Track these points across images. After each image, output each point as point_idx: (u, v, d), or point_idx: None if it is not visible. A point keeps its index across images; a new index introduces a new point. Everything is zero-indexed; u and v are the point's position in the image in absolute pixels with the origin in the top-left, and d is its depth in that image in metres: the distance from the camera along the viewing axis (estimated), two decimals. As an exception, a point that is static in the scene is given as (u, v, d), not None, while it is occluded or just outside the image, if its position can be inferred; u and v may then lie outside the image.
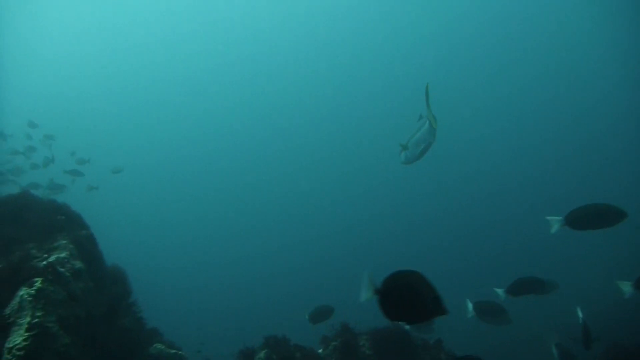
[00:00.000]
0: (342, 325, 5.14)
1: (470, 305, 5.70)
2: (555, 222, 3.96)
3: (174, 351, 5.03)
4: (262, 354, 4.52)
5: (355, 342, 4.91)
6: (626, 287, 4.05)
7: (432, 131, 4.89)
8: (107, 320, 3.66)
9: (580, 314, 4.59)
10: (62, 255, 3.49)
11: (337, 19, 33.81)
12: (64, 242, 3.72)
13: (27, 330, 2.91)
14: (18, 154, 9.03)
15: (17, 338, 2.88)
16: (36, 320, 2.96)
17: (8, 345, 2.87)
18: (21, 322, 2.97)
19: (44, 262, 3.37)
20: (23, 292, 3.07)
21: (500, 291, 4.22)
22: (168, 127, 33.20)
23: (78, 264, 3.56)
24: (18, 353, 2.81)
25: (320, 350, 5.14)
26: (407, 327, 5.55)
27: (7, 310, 3.06)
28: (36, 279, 3.16)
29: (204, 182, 30.46)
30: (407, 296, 2.03)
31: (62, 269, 3.31)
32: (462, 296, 5.46)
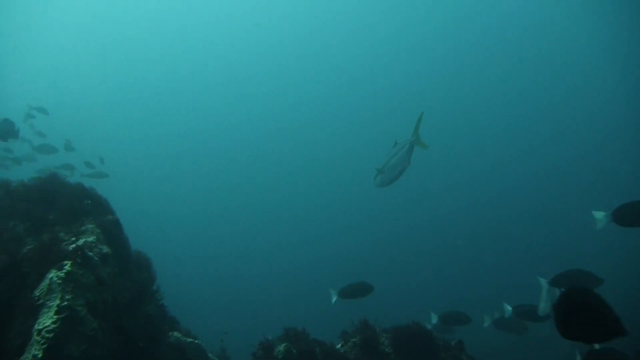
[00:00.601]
0: (362, 321, 5.07)
1: (487, 320, 5.75)
2: (601, 217, 3.82)
3: (190, 340, 5.01)
4: (281, 347, 4.47)
5: (375, 340, 4.84)
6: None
7: (407, 157, 5.36)
8: (132, 307, 3.64)
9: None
10: (90, 239, 3.47)
11: (357, 18, 33.90)
12: (91, 226, 3.69)
13: (57, 313, 2.89)
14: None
15: (47, 320, 2.86)
16: (65, 303, 2.93)
17: (37, 327, 2.85)
18: (50, 304, 2.95)
19: (73, 246, 3.35)
20: (53, 274, 3.05)
21: (543, 281, 4.06)
22: (196, 123, 33.59)
23: (105, 249, 3.53)
24: (47, 335, 2.79)
25: (339, 345, 5.08)
26: (429, 326, 5.50)
27: (37, 292, 3.04)
28: (65, 262, 3.14)
29: (219, 176, 30.72)
30: (588, 316, 1.97)
31: (90, 253, 3.29)
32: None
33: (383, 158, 5.68)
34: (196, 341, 5.19)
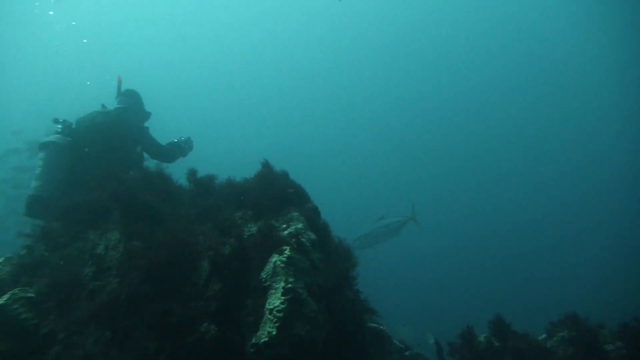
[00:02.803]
0: (569, 315, 4.56)
1: None
2: None
3: (382, 326, 5.08)
4: (482, 338, 4.27)
5: (593, 338, 4.31)
6: None
7: (397, 230, 7.24)
8: (336, 292, 3.77)
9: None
10: (299, 226, 3.68)
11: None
12: (296, 214, 3.92)
13: (283, 294, 3.12)
14: None
15: (275, 301, 3.10)
16: (289, 285, 3.15)
17: (268, 306, 3.11)
18: (276, 286, 3.20)
19: (286, 232, 3.58)
20: (276, 258, 3.30)
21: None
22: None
23: (312, 235, 3.72)
24: (278, 315, 3.03)
25: (541, 337, 4.65)
26: None
27: (263, 274, 3.32)
28: (284, 247, 3.37)
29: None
30: None
31: (303, 239, 3.48)
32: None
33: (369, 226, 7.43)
34: (381, 327, 5.26)
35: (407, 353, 5.79)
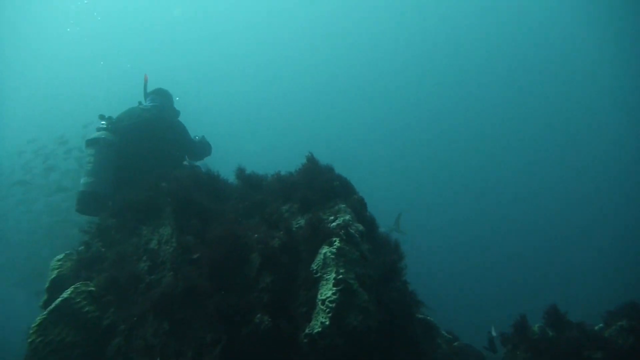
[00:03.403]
0: (628, 303, 4.39)
1: None
2: None
3: (423, 316, 5.05)
4: (535, 327, 4.17)
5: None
6: None
7: None
8: (384, 283, 3.76)
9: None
10: (347, 217, 3.69)
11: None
12: (343, 206, 3.93)
13: (334, 285, 3.15)
14: None
15: (327, 292, 3.13)
16: (340, 276, 3.17)
17: (320, 297, 3.14)
18: (327, 277, 3.23)
19: (334, 224, 3.61)
20: (326, 250, 3.34)
21: None
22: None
23: (360, 227, 3.72)
24: (330, 305, 3.06)
25: (597, 326, 4.50)
26: None
27: (314, 266, 3.36)
28: (334, 238, 3.40)
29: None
30: None
31: (352, 230, 3.49)
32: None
33: None
34: (429, 318, 5.23)
35: (455, 344, 5.74)
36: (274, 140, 37.17)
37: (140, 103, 6.24)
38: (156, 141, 5.78)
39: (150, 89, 6.41)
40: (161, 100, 6.41)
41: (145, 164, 5.51)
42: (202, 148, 6.32)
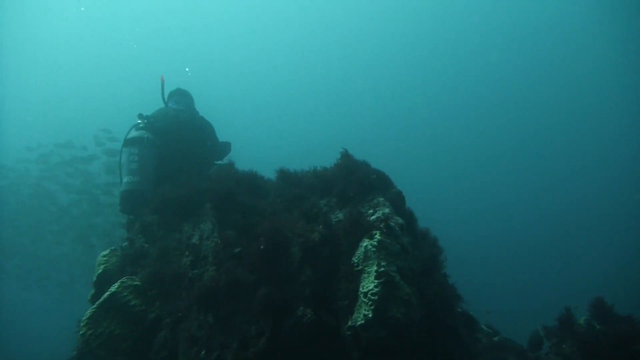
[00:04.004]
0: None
1: None
2: None
3: (463, 310, 4.99)
4: (581, 321, 4.07)
5: None
6: None
7: None
8: (425, 276, 3.74)
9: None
10: (386, 211, 3.68)
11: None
12: (381, 199, 3.93)
13: (376, 277, 3.15)
14: None
15: (369, 284, 3.14)
16: (382, 269, 3.18)
17: (362, 290, 3.16)
18: (369, 270, 3.24)
19: (374, 217, 3.61)
20: (366, 243, 3.34)
21: None
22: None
23: (400, 220, 3.71)
24: (373, 297, 3.07)
25: None
26: None
27: (354, 259, 3.38)
28: (374, 231, 3.40)
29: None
30: None
31: (392, 223, 3.49)
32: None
33: None
34: (469, 312, 5.16)
35: (495, 338, 5.66)
36: (281, 138, 37.52)
37: (166, 104, 6.35)
38: (192, 142, 5.90)
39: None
40: (186, 101, 6.53)
41: (182, 164, 5.63)
42: (224, 148, 6.39)
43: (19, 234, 17.12)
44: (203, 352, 3.48)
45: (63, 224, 16.35)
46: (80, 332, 3.94)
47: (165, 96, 6.44)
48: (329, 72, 40.98)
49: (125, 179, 5.49)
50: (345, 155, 4.23)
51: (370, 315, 3.02)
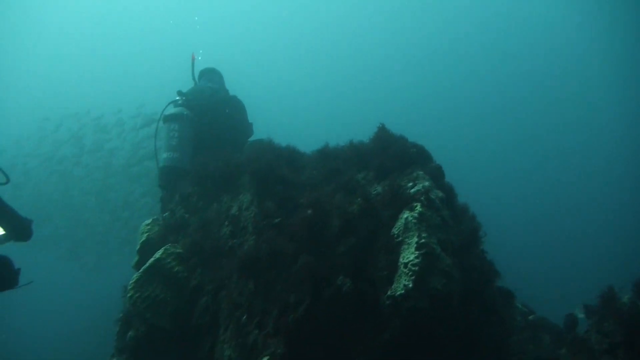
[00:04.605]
0: None
1: None
2: None
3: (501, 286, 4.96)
4: (625, 299, 3.99)
5: None
6: None
7: None
8: (464, 249, 3.72)
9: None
10: (426, 184, 3.66)
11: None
12: (421, 172, 3.89)
13: (417, 249, 3.16)
14: None
15: (410, 255, 3.16)
16: (423, 240, 3.18)
17: (403, 261, 3.17)
18: (409, 241, 3.25)
19: (414, 190, 3.59)
20: (407, 214, 3.35)
21: None
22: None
23: (440, 193, 3.69)
24: (413, 268, 3.08)
25: None
26: None
27: (394, 230, 3.39)
28: (415, 203, 3.40)
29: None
30: None
31: (432, 196, 3.47)
32: None
33: None
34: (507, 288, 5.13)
35: (531, 317, 5.61)
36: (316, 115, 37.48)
37: (195, 82, 6.39)
38: (226, 121, 5.94)
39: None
40: (218, 80, 6.54)
41: (216, 142, 5.67)
42: (251, 129, 6.40)
43: (50, 201, 17.73)
44: (245, 317, 3.59)
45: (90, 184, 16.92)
46: (128, 295, 4.13)
47: (196, 75, 6.47)
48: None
49: (164, 155, 5.57)
50: (382, 130, 4.20)
51: (410, 286, 3.04)
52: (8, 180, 4.04)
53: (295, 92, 39.97)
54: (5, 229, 3.80)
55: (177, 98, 5.91)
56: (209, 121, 5.81)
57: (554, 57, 35.05)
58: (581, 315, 5.07)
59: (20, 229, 3.86)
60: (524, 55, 36.14)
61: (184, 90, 6.02)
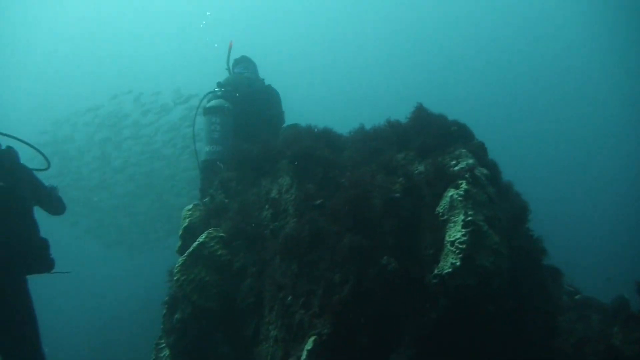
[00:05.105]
0: None
1: None
2: None
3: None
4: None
5: None
6: None
7: None
8: (512, 227, 3.64)
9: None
10: (470, 161, 3.58)
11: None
12: (464, 150, 3.81)
13: (463, 227, 3.11)
14: None
15: (456, 233, 3.11)
16: (469, 218, 3.12)
17: (449, 239, 3.13)
18: (455, 219, 3.19)
19: (457, 167, 3.52)
20: (452, 192, 3.29)
21: None
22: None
23: (484, 170, 3.60)
24: (460, 246, 3.04)
25: None
26: None
27: (439, 209, 3.34)
28: (460, 181, 3.33)
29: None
30: None
31: (477, 173, 3.40)
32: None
33: None
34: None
35: (577, 297, 5.48)
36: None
37: (229, 71, 6.37)
38: (264, 110, 5.92)
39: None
40: (253, 69, 6.50)
41: (254, 132, 5.68)
42: (283, 117, 6.36)
43: (90, 189, 18.05)
44: (290, 298, 3.63)
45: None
46: (175, 278, 4.23)
47: (230, 64, 6.46)
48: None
49: (207, 148, 5.61)
50: (421, 109, 4.12)
51: (458, 264, 3.00)
52: (49, 166, 4.33)
53: (317, 78, 39.68)
54: (45, 209, 4.37)
55: (216, 89, 5.92)
56: (247, 111, 5.81)
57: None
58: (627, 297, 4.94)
59: (55, 207, 4.45)
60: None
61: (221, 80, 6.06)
